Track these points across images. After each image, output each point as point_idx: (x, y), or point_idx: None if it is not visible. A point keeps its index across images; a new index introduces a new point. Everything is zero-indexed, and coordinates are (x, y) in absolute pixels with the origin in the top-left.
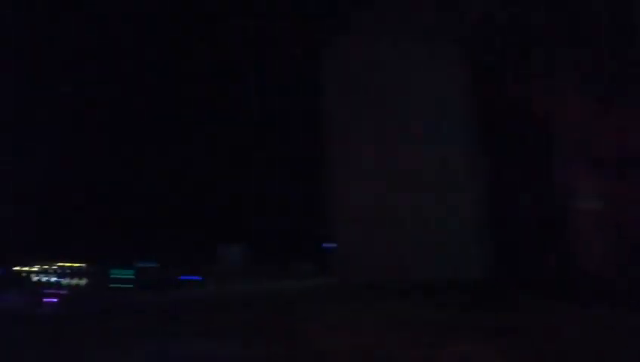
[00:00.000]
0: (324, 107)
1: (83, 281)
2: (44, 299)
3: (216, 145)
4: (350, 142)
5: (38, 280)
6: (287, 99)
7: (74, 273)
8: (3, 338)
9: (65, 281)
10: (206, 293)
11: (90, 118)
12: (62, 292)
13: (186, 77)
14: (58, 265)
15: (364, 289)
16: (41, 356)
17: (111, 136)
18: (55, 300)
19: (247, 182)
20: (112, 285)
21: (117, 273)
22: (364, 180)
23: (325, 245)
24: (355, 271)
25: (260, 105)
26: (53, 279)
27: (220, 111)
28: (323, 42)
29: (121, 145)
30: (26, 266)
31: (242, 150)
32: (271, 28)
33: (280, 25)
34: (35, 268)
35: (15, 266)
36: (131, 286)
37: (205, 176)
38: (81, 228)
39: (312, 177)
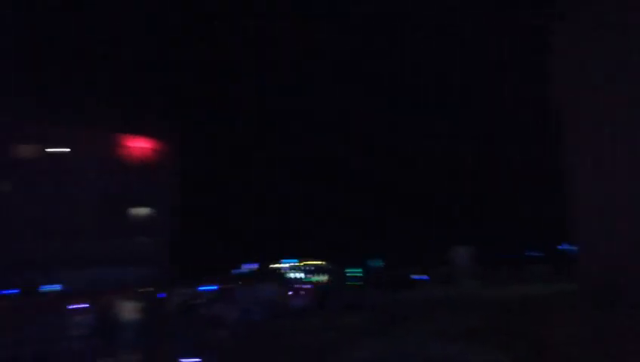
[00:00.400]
0: (560, 95)
1: (325, 278)
2: (294, 292)
3: (454, 152)
4: (594, 131)
5: (288, 275)
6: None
7: (317, 270)
8: (261, 326)
9: (310, 277)
10: (435, 294)
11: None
12: (308, 286)
13: None
14: (304, 263)
15: (615, 297)
16: (292, 345)
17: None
18: (303, 293)
19: (477, 185)
20: (348, 282)
21: (351, 271)
22: (613, 173)
23: (564, 247)
24: (603, 276)
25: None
26: (300, 275)
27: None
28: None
29: (360, 156)
30: (277, 263)
31: (478, 155)
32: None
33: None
34: (285, 265)
35: (268, 262)
36: (361, 283)
37: (440, 182)
38: (323, 229)
39: (547, 175)
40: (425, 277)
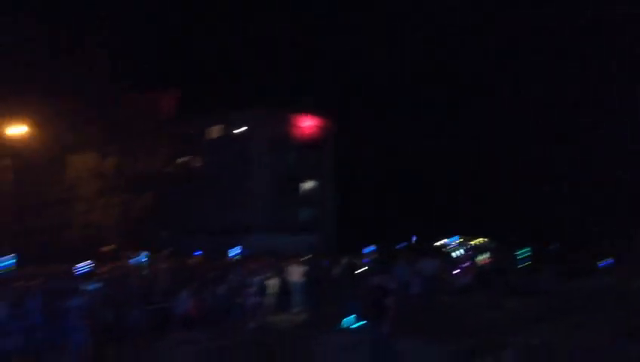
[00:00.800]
0: None
1: (489, 257)
2: (456, 270)
3: None
4: None
5: (451, 252)
6: None
7: (481, 248)
8: (421, 300)
9: (473, 255)
10: (623, 283)
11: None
12: (470, 265)
13: None
14: (468, 240)
15: None
16: (454, 322)
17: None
18: (465, 271)
19: None
20: (515, 264)
21: (520, 252)
22: None
23: None
24: None
25: None
26: (464, 252)
27: None
28: None
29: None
30: (441, 239)
31: None
32: None
33: None
34: (449, 241)
35: (432, 238)
36: (530, 264)
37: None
38: (490, 207)
39: None
40: (610, 261)
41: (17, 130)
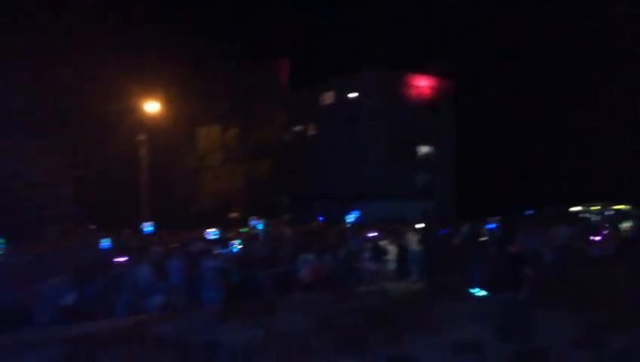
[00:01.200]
0: None
1: (630, 224)
2: (592, 238)
3: None
4: None
5: (587, 219)
6: None
7: (621, 215)
8: (554, 269)
9: (612, 222)
10: None
11: None
12: (608, 232)
13: None
14: (606, 207)
15: None
16: (592, 292)
17: None
18: (602, 239)
19: None
20: None
21: None
22: None
23: None
24: None
25: None
26: (601, 219)
27: None
28: None
29: None
30: (576, 205)
31: None
32: None
33: None
34: (584, 208)
35: (566, 204)
36: None
37: None
38: (633, 169)
39: None
40: None
41: (151, 106)
